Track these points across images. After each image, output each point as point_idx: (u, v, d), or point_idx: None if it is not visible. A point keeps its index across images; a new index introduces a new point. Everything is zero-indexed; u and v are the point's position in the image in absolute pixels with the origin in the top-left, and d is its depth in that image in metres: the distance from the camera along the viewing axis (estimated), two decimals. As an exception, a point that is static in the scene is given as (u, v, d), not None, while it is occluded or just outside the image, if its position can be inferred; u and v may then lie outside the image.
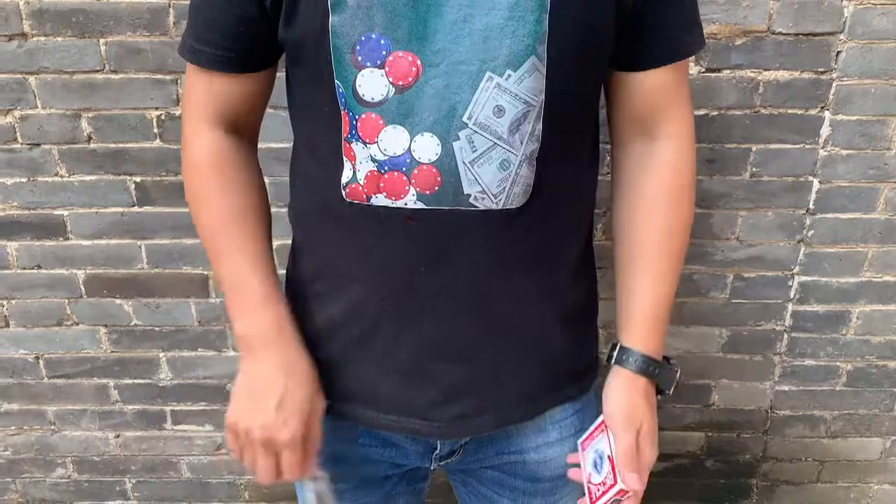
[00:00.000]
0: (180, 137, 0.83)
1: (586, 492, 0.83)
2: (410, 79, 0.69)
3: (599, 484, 0.80)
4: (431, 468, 0.95)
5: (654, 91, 0.79)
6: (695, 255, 1.43)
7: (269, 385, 0.80)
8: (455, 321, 0.79)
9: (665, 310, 0.85)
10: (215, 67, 0.77)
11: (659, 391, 0.86)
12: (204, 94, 0.79)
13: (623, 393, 0.83)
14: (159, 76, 1.29)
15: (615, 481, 0.78)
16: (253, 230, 0.82)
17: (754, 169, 1.35)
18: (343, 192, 0.75)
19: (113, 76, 1.29)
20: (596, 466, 0.83)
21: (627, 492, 0.79)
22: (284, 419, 0.79)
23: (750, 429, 1.61)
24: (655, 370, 0.84)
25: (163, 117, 1.32)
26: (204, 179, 0.81)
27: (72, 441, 1.65)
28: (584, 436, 0.88)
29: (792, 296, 1.46)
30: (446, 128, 0.70)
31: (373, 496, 0.97)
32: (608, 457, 0.81)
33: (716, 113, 1.31)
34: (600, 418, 0.85)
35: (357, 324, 0.82)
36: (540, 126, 0.72)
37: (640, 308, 0.84)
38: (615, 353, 0.85)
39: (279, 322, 0.81)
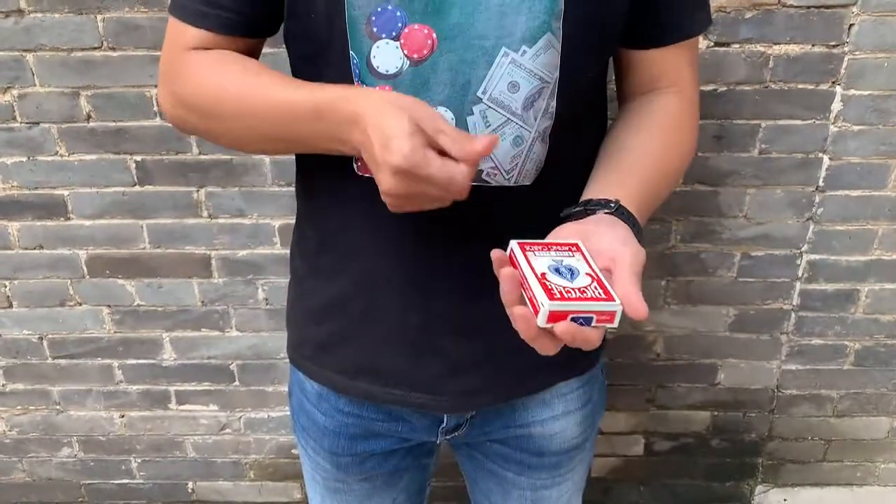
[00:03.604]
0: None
1: (539, 289, 0.62)
2: (426, 52, 0.68)
3: (573, 289, 0.63)
4: (437, 442, 0.95)
5: (661, 68, 0.79)
6: (702, 233, 1.42)
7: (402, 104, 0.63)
8: (463, 296, 0.78)
9: (648, 204, 0.74)
10: (222, 31, 0.74)
11: None
12: (196, 46, 0.75)
13: (621, 230, 0.67)
14: (158, 53, 1.25)
15: (609, 297, 0.62)
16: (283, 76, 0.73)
17: (763, 145, 1.34)
18: (355, 166, 0.74)
19: (111, 53, 1.27)
20: (560, 273, 0.64)
21: (613, 319, 0.62)
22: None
23: (756, 408, 1.60)
24: (637, 229, 0.70)
25: (163, 95, 1.30)
26: (212, 58, 0.74)
27: (77, 421, 1.65)
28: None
29: (800, 274, 1.45)
30: (460, 102, 0.69)
31: (379, 471, 0.97)
32: (587, 273, 0.64)
33: (724, 88, 1.29)
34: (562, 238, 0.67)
35: (364, 298, 0.81)
36: (554, 103, 0.71)
37: (630, 182, 0.73)
38: (599, 203, 0.70)
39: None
